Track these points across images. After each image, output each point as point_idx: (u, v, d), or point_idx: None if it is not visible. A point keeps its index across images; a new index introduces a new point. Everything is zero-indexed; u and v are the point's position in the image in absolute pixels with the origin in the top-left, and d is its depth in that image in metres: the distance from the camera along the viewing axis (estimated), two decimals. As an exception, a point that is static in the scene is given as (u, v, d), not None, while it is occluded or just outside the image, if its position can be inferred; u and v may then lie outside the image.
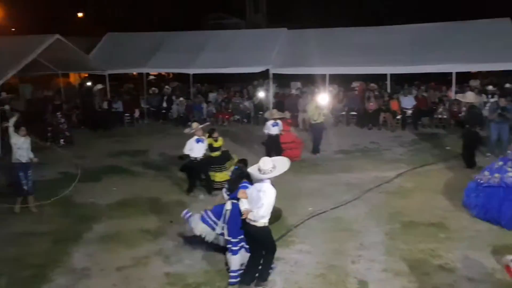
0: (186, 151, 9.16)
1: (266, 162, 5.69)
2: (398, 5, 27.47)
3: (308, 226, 7.55)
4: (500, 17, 15.81)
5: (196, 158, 9.14)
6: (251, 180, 6.01)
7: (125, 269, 6.34)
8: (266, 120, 11.70)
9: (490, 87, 15.91)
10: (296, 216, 7.88)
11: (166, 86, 19.21)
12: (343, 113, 16.59)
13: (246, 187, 5.85)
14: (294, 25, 20.28)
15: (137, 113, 17.61)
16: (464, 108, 10.86)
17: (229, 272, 5.93)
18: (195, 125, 9.39)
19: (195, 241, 6.87)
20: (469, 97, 10.95)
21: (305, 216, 7.89)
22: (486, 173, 7.74)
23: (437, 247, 6.62)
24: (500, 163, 7.67)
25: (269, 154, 11.04)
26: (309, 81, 18.22)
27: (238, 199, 5.79)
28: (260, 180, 5.66)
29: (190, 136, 9.26)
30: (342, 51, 16.03)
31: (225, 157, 9.89)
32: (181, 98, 17.63)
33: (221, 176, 9.49)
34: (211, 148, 9.50)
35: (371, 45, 15.96)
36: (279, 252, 6.33)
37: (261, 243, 5.73)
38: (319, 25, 19.44)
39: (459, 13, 20.74)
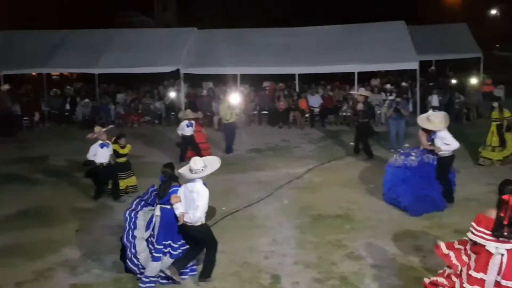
0: (90, 156, 8.72)
1: (197, 162, 5.69)
2: (306, 7, 28.59)
3: (222, 226, 7.55)
4: (392, 20, 17.09)
5: (102, 163, 8.73)
6: (179, 183, 5.90)
7: (25, 284, 5.88)
8: (180, 120, 11.53)
9: (388, 86, 17.08)
10: (209, 217, 7.81)
11: (68, 87, 18.16)
12: (255, 112, 16.88)
13: (177, 191, 5.76)
14: (204, 24, 20.20)
15: (37, 116, 16.42)
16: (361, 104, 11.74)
17: (143, 276, 5.73)
18: (97, 129, 8.93)
19: (104, 249, 6.57)
20: (361, 91, 12.25)
21: (219, 216, 7.89)
22: (402, 157, 8.28)
23: (344, 237, 6.96)
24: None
25: (184, 156, 10.95)
26: (221, 81, 18.29)
27: (170, 204, 5.70)
28: (191, 180, 5.64)
29: (95, 140, 8.83)
30: (253, 51, 16.31)
31: (130, 163, 9.57)
32: (86, 100, 16.76)
33: (125, 182, 9.16)
34: (116, 154, 9.04)
35: (280, 46, 16.43)
36: (193, 254, 6.30)
37: (202, 242, 5.76)
38: (230, 26, 19.59)
39: (358, 16, 21.98)
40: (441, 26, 20.91)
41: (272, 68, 16.31)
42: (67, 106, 16.86)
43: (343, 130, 15.08)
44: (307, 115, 16.15)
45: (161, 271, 5.72)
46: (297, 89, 17.67)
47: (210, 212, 7.85)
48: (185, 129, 11.11)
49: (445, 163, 7.94)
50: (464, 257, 4.53)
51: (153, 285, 5.67)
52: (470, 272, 4.39)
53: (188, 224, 5.56)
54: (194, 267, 5.98)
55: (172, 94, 16.82)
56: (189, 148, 11.16)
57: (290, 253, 6.54)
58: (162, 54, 16.30)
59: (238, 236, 7.14)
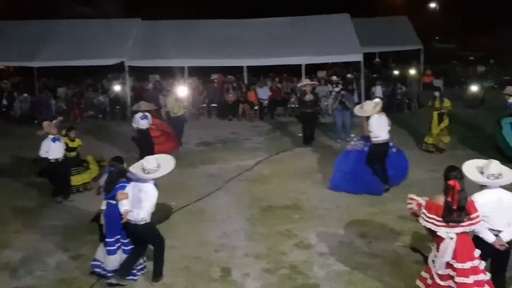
0: (43, 153, 8.19)
1: (150, 161, 5.44)
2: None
3: (172, 221, 7.47)
4: (337, 13, 17.43)
5: (57, 159, 8.28)
6: (127, 178, 5.69)
7: (-39, 291, 5.56)
8: (135, 113, 11.11)
9: (334, 78, 17.46)
10: (159, 213, 7.70)
11: (5, 81, 17.20)
12: (204, 105, 16.73)
13: (124, 187, 5.55)
14: (149, 15, 19.67)
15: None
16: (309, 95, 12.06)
17: (107, 273, 5.61)
18: (46, 123, 8.40)
19: (47, 250, 6.32)
20: (306, 81, 12.82)
21: (169, 211, 7.78)
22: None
23: (293, 227, 7.08)
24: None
25: (142, 150, 10.53)
26: (168, 73, 17.96)
27: (116, 200, 5.50)
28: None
29: (44, 136, 8.36)
30: (200, 43, 16.12)
31: (81, 158, 9.24)
32: (25, 94, 15.95)
33: (78, 179, 8.85)
34: (67, 148, 8.65)
35: (228, 38, 16.32)
36: (141, 251, 6.19)
37: (147, 240, 5.61)
38: (176, 17, 19.18)
39: (303, 8, 22.23)
40: (384, 18, 21.56)
41: (220, 60, 16.20)
42: (4, 102, 15.96)
43: (291, 122, 15.26)
44: (256, 107, 16.21)
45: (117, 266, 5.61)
46: (245, 82, 17.68)
47: (163, 212, 7.79)
48: (140, 122, 10.71)
49: (372, 150, 8.30)
50: None
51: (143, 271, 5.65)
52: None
53: (132, 222, 5.38)
54: (143, 265, 5.84)
55: (116, 88, 16.32)
56: (145, 141, 10.71)
57: (240, 245, 6.56)
58: (105, 46, 15.77)
59: (188, 231, 7.08)
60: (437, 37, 34.83)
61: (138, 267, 5.74)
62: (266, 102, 16.43)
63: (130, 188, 5.53)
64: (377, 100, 9.09)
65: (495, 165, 4.62)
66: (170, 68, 17.13)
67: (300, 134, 12.68)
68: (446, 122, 10.93)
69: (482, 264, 4.45)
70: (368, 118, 8.24)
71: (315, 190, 8.71)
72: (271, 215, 7.61)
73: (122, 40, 16.08)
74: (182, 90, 12.72)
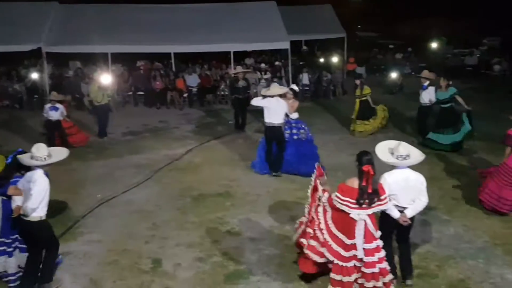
0: None
1: (40, 148, 4.97)
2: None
3: (98, 214, 7.18)
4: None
5: None
6: (22, 174, 5.25)
7: None
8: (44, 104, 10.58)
9: (263, 65, 17.64)
10: (84, 206, 7.41)
11: None
12: (130, 93, 16.20)
13: (17, 182, 5.11)
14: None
15: None
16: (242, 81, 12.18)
17: (8, 277, 5.22)
18: None
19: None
20: (238, 69, 13.00)
21: (94, 204, 7.48)
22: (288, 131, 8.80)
23: (224, 214, 7.09)
24: None
25: (51, 142, 10.02)
26: (90, 60, 17.13)
27: (8, 196, 5.05)
28: (33, 169, 4.96)
29: None
30: (124, 29, 15.46)
31: None
32: None
33: None
34: None
35: (154, 23, 15.78)
36: (66, 247, 5.93)
37: (40, 241, 5.09)
38: (98, 0, 18.22)
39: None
40: (309, 7, 22.01)
41: (146, 47, 15.69)
42: None
43: (222, 109, 15.23)
44: (185, 95, 15.96)
45: (19, 266, 5.25)
46: (173, 69, 17.32)
47: (81, 201, 7.48)
48: (49, 113, 10.29)
49: (265, 132, 8.78)
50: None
51: None
52: (346, 242, 4.72)
53: (25, 219, 4.89)
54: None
55: (34, 75, 15.32)
56: (56, 133, 10.36)
57: (171, 235, 6.46)
58: (20, 30, 14.61)
59: (116, 224, 6.85)
60: (359, 26, 36.24)
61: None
62: (195, 89, 16.23)
63: (21, 183, 5.05)
64: (285, 88, 9.31)
65: (403, 147, 4.92)
66: (93, 55, 16.33)
67: (231, 121, 12.71)
68: (385, 114, 11.50)
69: (381, 243, 4.75)
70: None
71: (246, 177, 8.77)
72: (202, 203, 7.57)
73: (38, 24, 14.99)
74: (105, 78, 12.20)
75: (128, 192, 8.08)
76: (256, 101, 8.87)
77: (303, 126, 9.00)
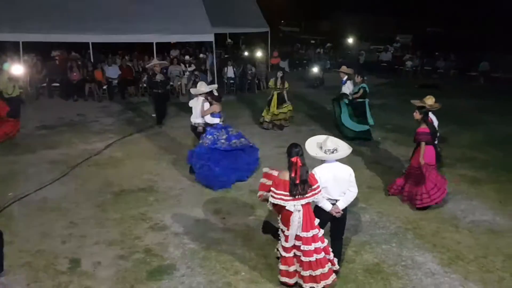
0: None
1: None
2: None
3: (9, 214, 6.73)
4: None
5: None
6: None
7: None
8: None
9: (187, 57, 17.37)
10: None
11: None
12: (44, 84, 15.23)
13: None
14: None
15: None
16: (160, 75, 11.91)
17: None
18: None
19: None
20: (154, 61, 12.59)
21: (4, 203, 6.99)
22: (209, 137, 8.21)
23: (147, 210, 6.94)
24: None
25: None
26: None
27: None
28: None
29: None
30: (36, 16, 14.40)
31: None
32: None
33: None
34: None
35: (71, 10, 14.87)
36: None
37: None
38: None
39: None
40: (234, 0, 21.99)
41: (62, 36, 14.75)
42: None
43: (144, 102, 14.82)
44: (105, 87, 15.31)
45: None
46: (92, 59, 16.53)
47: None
48: None
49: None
50: None
51: None
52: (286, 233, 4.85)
53: None
54: None
55: None
56: None
57: (90, 233, 6.21)
58: None
59: (29, 223, 6.45)
60: (282, 21, 36.96)
61: None
62: (116, 81, 15.63)
63: None
64: (214, 85, 9.14)
65: (331, 141, 5.06)
66: (2, 43, 15.13)
67: (153, 115, 12.41)
68: (290, 107, 11.74)
69: (321, 232, 4.93)
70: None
71: (170, 171, 8.64)
72: (123, 199, 7.34)
73: None
74: (16, 68, 11.37)
75: (43, 189, 7.64)
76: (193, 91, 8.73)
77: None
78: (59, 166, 8.73)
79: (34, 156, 9.33)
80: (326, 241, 4.96)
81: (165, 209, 7.00)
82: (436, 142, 7.83)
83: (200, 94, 8.40)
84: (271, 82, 11.75)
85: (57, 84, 15.24)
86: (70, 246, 5.87)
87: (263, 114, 11.82)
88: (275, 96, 11.56)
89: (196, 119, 8.57)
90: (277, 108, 11.55)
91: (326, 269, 4.87)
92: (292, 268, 4.92)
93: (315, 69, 18.75)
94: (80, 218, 6.63)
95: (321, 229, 4.94)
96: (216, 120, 8.14)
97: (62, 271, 5.34)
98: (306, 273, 4.83)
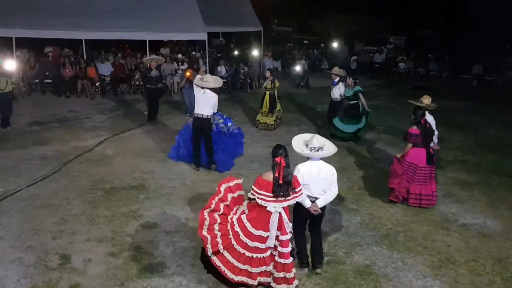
0: None
1: None
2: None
3: (0, 209, 6.67)
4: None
5: None
6: None
7: None
8: None
9: (180, 56, 17.34)
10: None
11: None
12: (37, 80, 15.14)
13: None
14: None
15: None
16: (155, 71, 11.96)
17: None
18: None
19: None
20: (152, 57, 12.66)
21: (-6, 199, 6.95)
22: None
23: (138, 207, 6.94)
24: None
25: None
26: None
27: None
28: None
29: None
30: (31, 11, 14.31)
31: None
32: None
33: None
34: None
35: (65, 7, 14.80)
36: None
37: None
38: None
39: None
40: (226, -1, 21.96)
41: (55, 32, 14.64)
42: None
43: (136, 99, 14.79)
44: (97, 84, 15.24)
45: None
46: (84, 56, 16.44)
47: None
48: None
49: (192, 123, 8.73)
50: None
51: None
52: (249, 229, 4.82)
53: None
54: None
55: None
56: None
57: (81, 230, 6.20)
58: None
59: (19, 219, 6.42)
60: (275, 20, 36.95)
61: None
62: (109, 78, 15.56)
63: None
64: (220, 81, 9.21)
65: (317, 139, 5.12)
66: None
67: (145, 112, 12.38)
68: (278, 106, 11.73)
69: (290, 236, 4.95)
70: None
71: (161, 169, 8.63)
72: (115, 196, 7.33)
73: None
74: (9, 64, 11.28)
75: (34, 185, 7.61)
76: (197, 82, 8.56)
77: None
78: (51, 162, 8.70)
79: (25, 151, 9.28)
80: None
81: (156, 207, 7.00)
82: (436, 141, 7.96)
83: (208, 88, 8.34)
84: (268, 85, 11.52)
85: (50, 81, 15.15)
86: (60, 243, 5.86)
87: (257, 118, 11.74)
88: (267, 97, 11.55)
89: (203, 111, 8.37)
90: (270, 111, 11.52)
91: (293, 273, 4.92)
92: (255, 270, 4.85)
93: (298, 68, 18.61)
94: (71, 215, 6.62)
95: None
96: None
97: (53, 267, 5.33)
98: (280, 275, 4.86)
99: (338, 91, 11.12)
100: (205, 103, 8.32)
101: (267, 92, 11.53)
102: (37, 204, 6.92)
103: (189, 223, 6.52)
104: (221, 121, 8.88)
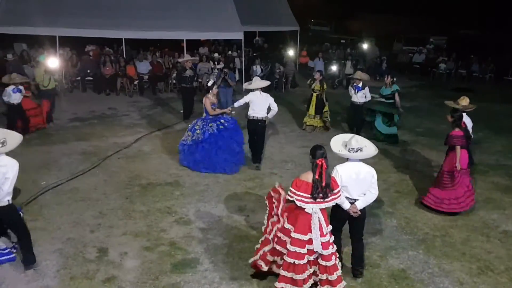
0: None
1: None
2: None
3: (42, 202, 6.94)
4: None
5: None
6: None
7: None
8: (5, 86, 9.97)
9: (216, 55, 17.51)
10: (27, 193, 7.12)
11: None
12: (78, 78, 15.63)
13: None
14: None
15: None
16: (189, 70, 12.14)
17: None
18: None
19: None
20: (187, 57, 12.83)
21: (38, 191, 7.22)
22: (189, 133, 8.58)
23: (173, 204, 7.05)
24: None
25: (12, 126, 9.54)
26: (37, 42, 16.36)
27: None
28: None
29: None
30: (74, 11, 14.80)
31: None
32: None
33: None
34: None
35: (106, 7, 15.26)
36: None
37: (9, 225, 5.15)
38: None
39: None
40: (263, -1, 22.02)
41: (97, 31, 15.11)
42: None
43: (173, 98, 15.02)
44: (136, 82, 15.60)
45: None
46: (124, 55, 16.86)
47: (24, 188, 7.19)
48: (12, 95, 9.80)
49: (247, 125, 8.72)
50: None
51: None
52: (292, 234, 4.70)
53: None
54: (11, 252, 5.36)
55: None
56: (18, 117, 10.04)
57: (117, 224, 6.35)
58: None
59: (60, 211, 6.65)
60: (312, 20, 36.73)
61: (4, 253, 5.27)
62: (147, 77, 15.90)
63: None
64: (267, 81, 9.17)
65: (356, 140, 4.99)
66: (40, 37, 15.60)
67: (181, 111, 12.56)
68: (326, 107, 11.56)
69: (332, 238, 4.82)
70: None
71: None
72: (150, 192, 7.47)
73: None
74: (52, 62, 11.72)
75: (74, 179, 7.85)
76: (238, 103, 8.66)
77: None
78: (90, 157, 8.96)
79: (66, 146, 9.60)
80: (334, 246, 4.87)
81: (190, 203, 7.09)
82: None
83: (258, 89, 8.44)
84: (316, 86, 11.36)
85: (91, 78, 15.61)
86: (98, 236, 6.03)
87: (304, 121, 11.61)
88: (314, 98, 11.41)
89: (258, 113, 8.45)
90: (316, 112, 11.41)
91: (339, 273, 4.82)
92: (299, 277, 4.69)
93: (334, 68, 18.40)
94: (109, 209, 6.79)
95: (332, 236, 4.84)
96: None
97: (90, 259, 5.49)
98: (323, 277, 4.78)
99: (362, 96, 10.76)
100: (262, 105, 8.42)
101: (314, 94, 11.36)
102: (77, 198, 7.15)
103: (222, 221, 6.56)
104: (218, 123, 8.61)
